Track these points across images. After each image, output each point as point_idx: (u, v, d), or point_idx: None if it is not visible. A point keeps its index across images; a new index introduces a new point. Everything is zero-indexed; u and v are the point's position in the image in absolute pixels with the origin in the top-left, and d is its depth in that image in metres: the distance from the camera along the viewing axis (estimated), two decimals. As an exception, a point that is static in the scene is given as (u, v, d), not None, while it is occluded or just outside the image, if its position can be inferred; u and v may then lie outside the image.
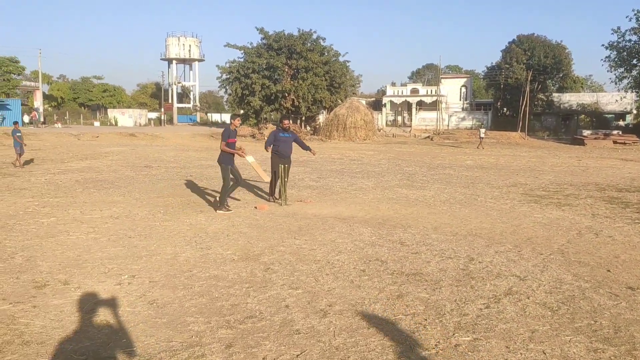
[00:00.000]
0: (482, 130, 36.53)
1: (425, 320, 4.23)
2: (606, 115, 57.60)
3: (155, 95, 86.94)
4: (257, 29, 45.64)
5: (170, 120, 73.01)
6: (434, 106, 58.19)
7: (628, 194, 12.14)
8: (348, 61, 49.79)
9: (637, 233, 7.75)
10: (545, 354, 3.62)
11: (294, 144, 10.42)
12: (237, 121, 9.83)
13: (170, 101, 79.31)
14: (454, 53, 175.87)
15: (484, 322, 4.18)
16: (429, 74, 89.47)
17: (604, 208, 10.10)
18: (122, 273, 5.50)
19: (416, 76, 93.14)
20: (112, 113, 67.82)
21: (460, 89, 63.82)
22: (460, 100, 63.07)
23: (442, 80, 62.06)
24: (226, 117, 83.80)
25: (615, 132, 45.46)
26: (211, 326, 4.12)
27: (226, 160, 9.35)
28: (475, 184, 13.89)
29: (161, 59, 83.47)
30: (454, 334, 3.94)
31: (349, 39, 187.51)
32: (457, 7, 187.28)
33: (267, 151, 10.31)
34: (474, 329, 4.03)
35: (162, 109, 71.92)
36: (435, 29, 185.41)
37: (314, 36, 45.93)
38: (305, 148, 10.82)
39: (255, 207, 9.68)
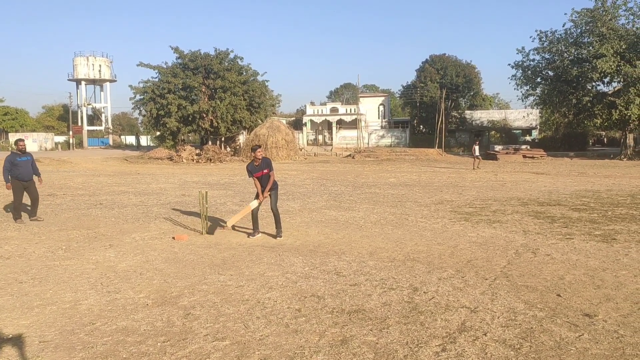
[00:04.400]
0: (477, 147, 29.67)
1: (378, 372, 3.61)
2: (514, 131, 60.84)
3: (63, 118, 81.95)
4: (172, 48, 44.22)
5: (80, 144, 69.09)
6: (353, 125, 58.87)
7: (550, 208, 12.29)
8: (267, 80, 49.28)
9: (572, 250, 7.60)
10: (521, 409, 3.10)
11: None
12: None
13: (80, 124, 75.07)
14: (371, 73, 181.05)
15: (444, 371, 3.61)
16: (347, 93, 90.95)
17: (532, 224, 10.04)
18: (6, 331, 4.49)
19: (335, 95, 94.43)
20: (13, 137, 63.14)
21: (379, 107, 65.28)
22: (378, 118, 64.48)
23: (361, 99, 63.14)
24: (142, 140, 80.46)
25: (523, 146, 47.84)
26: (116, 402, 3.27)
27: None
28: (402, 202, 13.62)
29: (69, 80, 78.78)
30: (414, 391, 3.34)
31: (266, 59, 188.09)
32: (372, 27, 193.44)
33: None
34: (435, 381, 3.45)
35: (71, 132, 67.88)
36: (352, 48, 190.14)
37: (231, 55, 45.05)
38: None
39: (173, 238, 8.75)
